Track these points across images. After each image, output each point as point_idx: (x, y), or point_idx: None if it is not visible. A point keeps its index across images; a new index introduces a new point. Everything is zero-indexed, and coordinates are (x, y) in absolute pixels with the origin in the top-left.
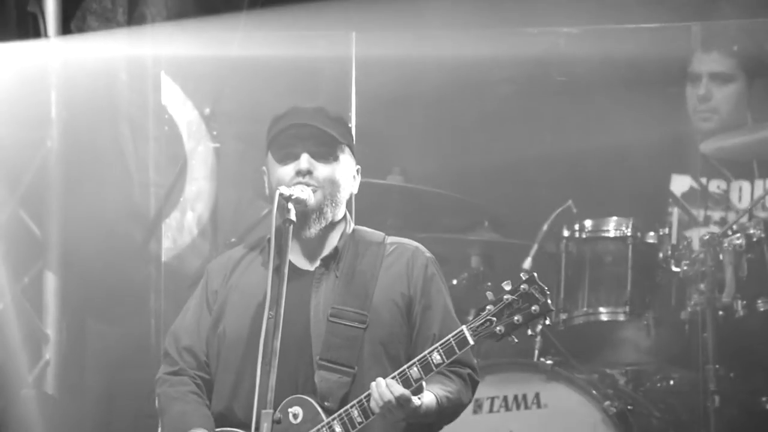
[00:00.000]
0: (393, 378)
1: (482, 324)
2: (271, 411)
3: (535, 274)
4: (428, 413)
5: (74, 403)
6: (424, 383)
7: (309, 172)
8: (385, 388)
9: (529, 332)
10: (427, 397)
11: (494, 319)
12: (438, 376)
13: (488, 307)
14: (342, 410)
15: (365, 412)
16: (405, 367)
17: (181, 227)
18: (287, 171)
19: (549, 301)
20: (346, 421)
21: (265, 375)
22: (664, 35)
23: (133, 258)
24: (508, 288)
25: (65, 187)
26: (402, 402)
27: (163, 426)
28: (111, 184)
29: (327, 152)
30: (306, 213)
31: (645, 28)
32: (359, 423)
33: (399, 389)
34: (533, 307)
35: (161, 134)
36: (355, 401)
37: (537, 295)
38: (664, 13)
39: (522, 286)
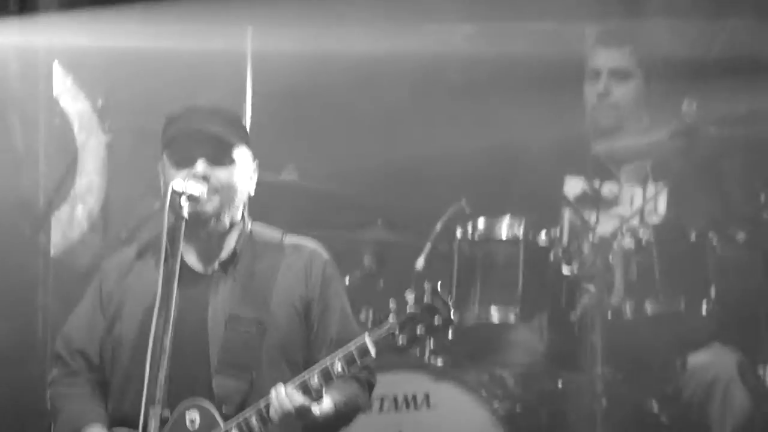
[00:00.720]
0: (293, 386)
1: (385, 335)
2: (159, 407)
3: (438, 286)
4: (326, 420)
5: None
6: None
7: (205, 178)
8: (284, 398)
9: (430, 344)
10: (326, 404)
11: (397, 331)
12: (336, 379)
13: (390, 318)
14: (240, 416)
15: (264, 419)
16: (305, 374)
17: (71, 221)
18: (182, 176)
19: (452, 313)
20: (244, 428)
21: (154, 372)
22: (559, 35)
23: (21, 252)
24: (410, 297)
25: None
26: (302, 412)
27: (57, 426)
28: (1, 174)
29: (223, 156)
30: (203, 220)
31: (540, 27)
32: (258, 430)
33: (299, 399)
34: (436, 320)
35: (52, 126)
36: (253, 407)
37: (440, 307)
38: (558, 12)
39: (425, 298)
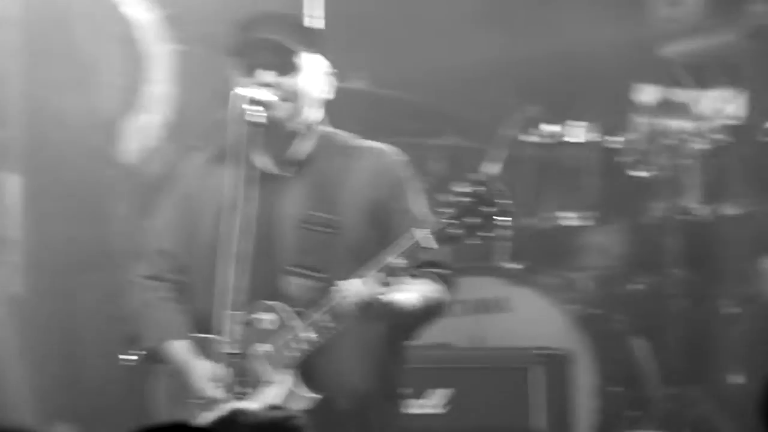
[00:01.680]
0: (363, 279)
1: (442, 227)
2: (239, 312)
3: (492, 175)
4: (411, 311)
5: (41, 305)
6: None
7: (270, 85)
8: (358, 286)
9: (490, 234)
10: (407, 295)
11: (454, 221)
12: (418, 277)
13: (446, 209)
14: (315, 315)
15: (338, 314)
16: (373, 269)
17: (143, 129)
18: (249, 83)
19: (507, 202)
20: (320, 327)
21: (228, 275)
22: None
23: (95, 161)
24: (466, 190)
25: (26, 89)
26: (376, 302)
27: (142, 333)
28: (71, 85)
29: (289, 63)
30: (274, 125)
31: None
32: (332, 327)
33: (373, 287)
34: (491, 209)
35: (120, 35)
36: (327, 305)
37: (494, 197)
38: None
39: (479, 188)
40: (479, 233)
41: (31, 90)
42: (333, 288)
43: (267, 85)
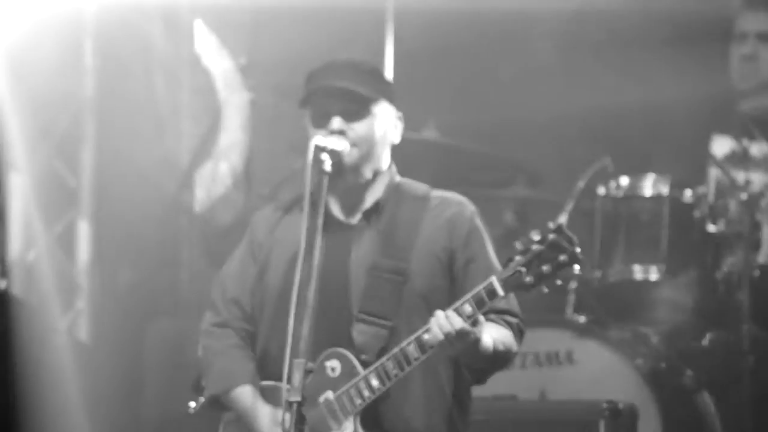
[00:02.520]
0: (447, 313)
1: (512, 275)
2: (303, 360)
3: (563, 224)
4: (485, 353)
5: (106, 352)
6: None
7: (342, 132)
8: (444, 320)
9: (559, 282)
10: (485, 338)
11: (523, 269)
12: (489, 323)
13: (517, 257)
14: (380, 361)
15: (423, 347)
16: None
17: (215, 178)
18: (322, 132)
19: (578, 250)
20: (384, 373)
21: (298, 323)
22: None
23: (166, 208)
24: (536, 238)
25: (99, 137)
26: (462, 334)
27: (207, 380)
28: (144, 133)
29: (360, 110)
30: (343, 170)
31: None
32: (396, 374)
33: (459, 321)
34: (561, 257)
35: (196, 83)
36: (392, 351)
37: (565, 245)
38: None
39: (550, 236)
40: (550, 281)
41: (104, 138)
42: (398, 338)
43: (339, 131)
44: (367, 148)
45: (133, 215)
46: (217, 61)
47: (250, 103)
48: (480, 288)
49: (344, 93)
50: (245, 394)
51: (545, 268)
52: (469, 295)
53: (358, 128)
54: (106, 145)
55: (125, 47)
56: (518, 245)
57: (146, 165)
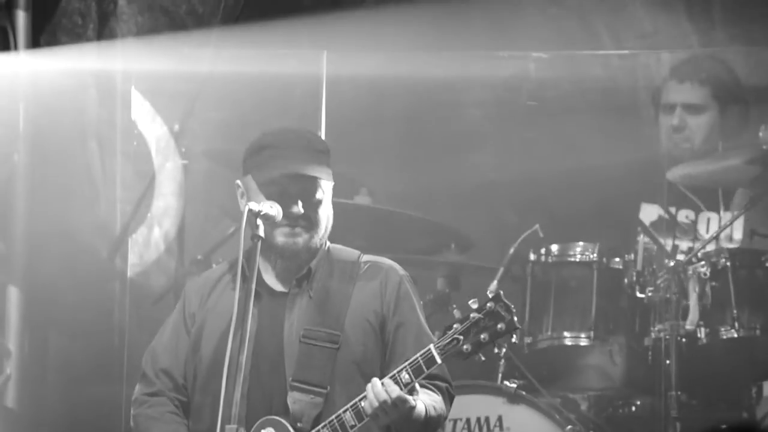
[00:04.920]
0: (383, 381)
1: (449, 342)
2: (235, 426)
3: (501, 292)
4: (417, 419)
5: (35, 418)
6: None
7: (302, 217)
8: (381, 388)
9: (495, 350)
10: (418, 405)
11: (461, 337)
12: (420, 388)
13: (455, 325)
14: (315, 429)
15: (359, 414)
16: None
17: (148, 243)
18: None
19: (515, 318)
20: (337, 428)
21: (230, 390)
22: (633, 62)
23: (99, 273)
24: (474, 306)
25: (31, 202)
26: (398, 402)
27: None
28: (77, 199)
29: (318, 192)
30: (294, 252)
31: (614, 54)
32: (351, 427)
33: (395, 389)
34: (499, 325)
35: (129, 150)
36: (327, 419)
37: (503, 313)
38: (633, 40)
39: (488, 304)
40: (487, 349)
41: (36, 203)
42: (333, 405)
43: (299, 216)
44: (316, 226)
45: (65, 281)
46: (151, 127)
47: (183, 169)
48: (418, 356)
49: (307, 178)
50: None
51: (483, 336)
52: (406, 363)
53: (317, 212)
54: (38, 210)
55: (59, 113)
56: (456, 313)
57: (79, 230)
